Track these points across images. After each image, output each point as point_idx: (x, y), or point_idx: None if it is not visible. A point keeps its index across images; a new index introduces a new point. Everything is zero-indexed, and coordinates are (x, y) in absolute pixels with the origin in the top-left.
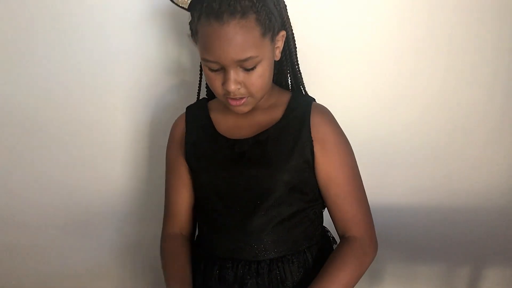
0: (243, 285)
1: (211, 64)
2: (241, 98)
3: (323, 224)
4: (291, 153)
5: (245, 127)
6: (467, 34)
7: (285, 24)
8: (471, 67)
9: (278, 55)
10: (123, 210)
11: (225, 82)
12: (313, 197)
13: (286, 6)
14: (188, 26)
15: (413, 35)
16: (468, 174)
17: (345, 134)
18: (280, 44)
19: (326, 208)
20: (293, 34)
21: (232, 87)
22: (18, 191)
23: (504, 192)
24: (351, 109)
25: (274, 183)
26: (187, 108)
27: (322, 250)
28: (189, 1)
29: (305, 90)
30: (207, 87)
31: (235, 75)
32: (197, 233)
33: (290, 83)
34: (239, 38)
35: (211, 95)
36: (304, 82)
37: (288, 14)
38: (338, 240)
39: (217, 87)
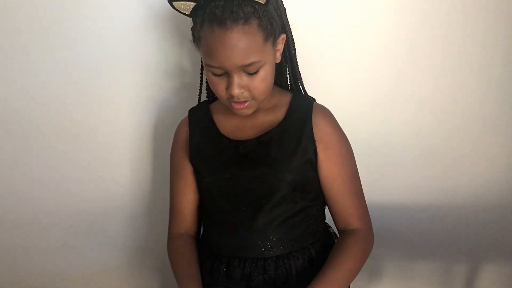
0: (250, 282)
1: (214, 70)
2: (245, 102)
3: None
4: (294, 153)
5: (248, 128)
6: (463, 35)
7: (285, 27)
8: (467, 67)
9: (278, 57)
10: (127, 212)
11: (229, 86)
12: (315, 195)
13: (285, 9)
14: (189, 31)
15: (410, 36)
16: (464, 173)
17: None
18: (280, 46)
19: (326, 205)
20: (292, 36)
21: (236, 91)
22: (24, 192)
23: (501, 190)
24: (349, 109)
25: (278, 183)
26: (190, 110)
27: (325, 246)
28: (191, 8)
29: (304, 91)
30: (207, 89)
31: (238, 79)
32: (201, 233)
33: (289, 83)
34: (242, 44)
35: (212, 97)
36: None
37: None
38: (338, 235)
39: (221, 91)
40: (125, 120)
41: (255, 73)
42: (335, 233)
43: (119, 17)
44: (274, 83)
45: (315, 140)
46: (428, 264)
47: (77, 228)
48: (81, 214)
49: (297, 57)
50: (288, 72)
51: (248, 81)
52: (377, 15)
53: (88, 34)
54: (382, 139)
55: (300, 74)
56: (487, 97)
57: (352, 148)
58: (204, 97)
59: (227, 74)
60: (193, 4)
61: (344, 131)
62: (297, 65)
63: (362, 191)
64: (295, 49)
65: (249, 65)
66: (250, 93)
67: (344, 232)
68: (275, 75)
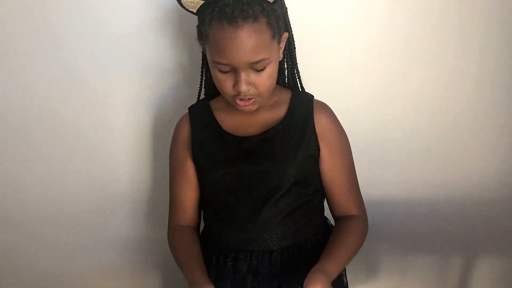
0: (257, 274)
1: (222, 66)
2: (250, 99)
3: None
4: (298, 147)
5: (251, 125)
6: (457, 34)
7: (287, 26)
8: (461, 65)
9: (280, 55)
10: (127, 210)
11: (236, 83)
12: (316, 188)
13: (287, 8)
14: (186, 29)
15: (405, 35)
16: (459, 168)
17: None
18: (282, 45)
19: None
20: (292, 35)
21: (244, 88)
22: (23, 191)
23: (495, 185)
24: (346, 106)
25: (283, 177)
26: (190, 108)
27: (326, 237)
28: (198, 6)
29: (302, 88)
30: (205, 87)
31: (246, 76)
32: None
33: (287, 81)
34: (252, 41)
35: (210, 95)
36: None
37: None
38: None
39: (227, 88)
40: (123, 118)
41: (262, 70)
42: (332, 225)
43: (116, 16)
44: None
45: (317, 135)
46: (424, 258)
47: (76, 226)
48: (80, 212)
49: (296, 55)
50: (287, 70)
51: (255, 78)
52: (373, 14)
53: (86, 33)
54: (378, 136)
55: (299, 71)
56: (480, 95)
57: (350, 146)
58: (202, 95)
59: (234, 71)
60: (201, 1)
61: None
62: (297, 63)
63: (358, 182)
64: (295, 47)
65: (258, 62)
66: (257, 89)
67: (344, 217)
68: None
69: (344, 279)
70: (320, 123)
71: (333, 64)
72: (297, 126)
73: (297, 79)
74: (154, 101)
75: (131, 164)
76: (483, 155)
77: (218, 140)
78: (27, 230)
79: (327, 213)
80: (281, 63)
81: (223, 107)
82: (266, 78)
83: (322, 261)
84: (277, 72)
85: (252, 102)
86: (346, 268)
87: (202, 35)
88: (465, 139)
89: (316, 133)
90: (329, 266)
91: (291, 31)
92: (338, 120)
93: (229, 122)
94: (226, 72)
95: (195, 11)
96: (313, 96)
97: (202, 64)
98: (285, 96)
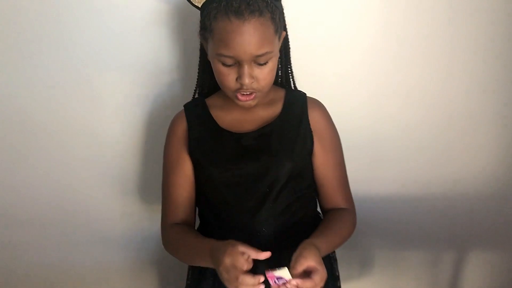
0: (256, 269)
1: (226, 59)
2: (251, 94)
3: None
4: (294, 143)
5: (248, 121)
6: (449, 32)
7: (285, 25)
8: (453, 63)
9: (278, 53)
10: (123, 208)
11: (240, 76)
12: (310, 183)
13: (283, 8)
14: (182, 27)
15: (398, 34)
16: (451, 165)
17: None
18: (280, 43)
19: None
20: (287, 34)
21: (247, 80)
22: (18, 189)
23: (486, 181)
24: (339, 104)
25: (281, 172)
26: (185, 105)
27: None
28: (203, 0)
29: (295, 86)
30: (201, 85)
31: (249, 69)
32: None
33: (280, 80)
34: (258, 34)
35: (205, 93)
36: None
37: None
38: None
39: (230, 82)
40: (118, 116)
41: (264, 64)
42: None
43: (111, 15)
44: None
45: (312, 131)
46: (417, 253)
47: (73, 224)
48: (76, 210)
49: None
50: (281, 69)
51: (257, 72)
52: (367, 14)
53: (80, 32)
54: (373, 134)
55: (292, 71)
56: (473, 94)
57: (343, 142)
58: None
59: (237, 65)
60: None
61: (336, 126)
62: (291, 63)
63: (347, 177)
64: (289, 47)
65: (262, 55)
66: (258, 84)
67: (334, 209)
68: None
69: (336, 273)
70: (315, 119)
71: (328, 64)
72: (293, 122)
73: (291, 79)
74: (149, 99)
75: (126, 162)
76: (474, 152)
77: (216, 137)
78: (22, 228)
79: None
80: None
81: (219, 105)
82: (267, 73)
83: (313, 238)
84: (276, 68)
85: (253, 97)
86: (339, 263)
87: (206, 28)
88: (457, 137)
89: (311, 128)
90: (320, 244)
91: (287, 31)
92: (330, 116)
93: (226, 119)
94: (229, 66)
95: (200, 6)
96: (305, 94)
97: (199, 60)
98: (280, 94)
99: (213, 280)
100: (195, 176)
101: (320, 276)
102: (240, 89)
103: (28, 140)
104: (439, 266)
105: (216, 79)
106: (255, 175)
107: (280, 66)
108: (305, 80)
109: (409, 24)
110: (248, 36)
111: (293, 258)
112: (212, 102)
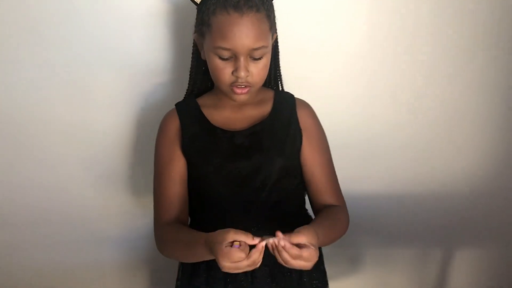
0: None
1: (223, 52)
2: (246, 87)
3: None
4: (285, 141)
5: (239, 120)
6: (435, 33)
7: (275, 27)
8: (441, 65)
9: (270, 51)
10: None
11: (237, 69)
12: (300, 180)
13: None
14: (174, 27)
15: (384, 35)
16: (438, 163)
17: (324, 127)
18: (272, 42)
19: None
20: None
21: (243, 73)
22: (11, 190)
23: (472, 179)
24: (328, 104)
25: (272, 169)
26: (177, 104)
27: None
28: None
29: (283, 88)
30: (194, 84)
31: (245, 62)
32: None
33: (268, 81)
34: (255, 28)
35: (195, 94)
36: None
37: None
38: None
39: (226, 75)
40: (111, 116)
41: (259, 59)
42: (311, 216)
43: (103, 15)
44: None
45: (301, 129)
46: (405, 250)
47: (66, 224)
48: (69, 210)
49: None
50: (270, 71)
51: (253, 67)
52: (353, 15)
53: (72, 32)
54: (362, 134)
55: (281, 73)
56: (458, 93)
57: (332, 142)
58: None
59: (233, 59)
60: None
61: (325, 125)
62: (279, 65)
63: (336, 174)
64: (278, 50)
65: (258, 49)
66: (252, 78)
67: (328, 205)
68: None
69: (322, 267)
70: (303, 118)
71: (317, 66)
72: (283, 121)
73: (279, 81)
74: (142, 99)
75: (118, 161)
76: (461, 151)
77: (209, 135)
78: (15, 228)
79: (307, 206)
80: None
81: (211, 103)
82: (261, 68)
83: (312, 225)
84: (269, 65)
85: (247, 91)
86: (328, 261)
87: (204, 23)
88: (444, 136)
89: (300, 127)
90: (318, 232)
91: (277, 33)
92: (317, 116)
93: (218, 117)
94: (225, 60)
95: (198, 2)
96: (293, 95)
97: (192, 61)
98: (269, 94)
99: (206, 277)
100: (189, 173)
101: (309, 252)
102: (235, 82)
103: (19, 140)
104: (427, 263)
105: (211, 74)
106: (247, 172)
107: (269, 68)
108: (293, 82)
109: (395, 27)
110: (246, 29)
111: (292, 233)
112: (203, 101)
